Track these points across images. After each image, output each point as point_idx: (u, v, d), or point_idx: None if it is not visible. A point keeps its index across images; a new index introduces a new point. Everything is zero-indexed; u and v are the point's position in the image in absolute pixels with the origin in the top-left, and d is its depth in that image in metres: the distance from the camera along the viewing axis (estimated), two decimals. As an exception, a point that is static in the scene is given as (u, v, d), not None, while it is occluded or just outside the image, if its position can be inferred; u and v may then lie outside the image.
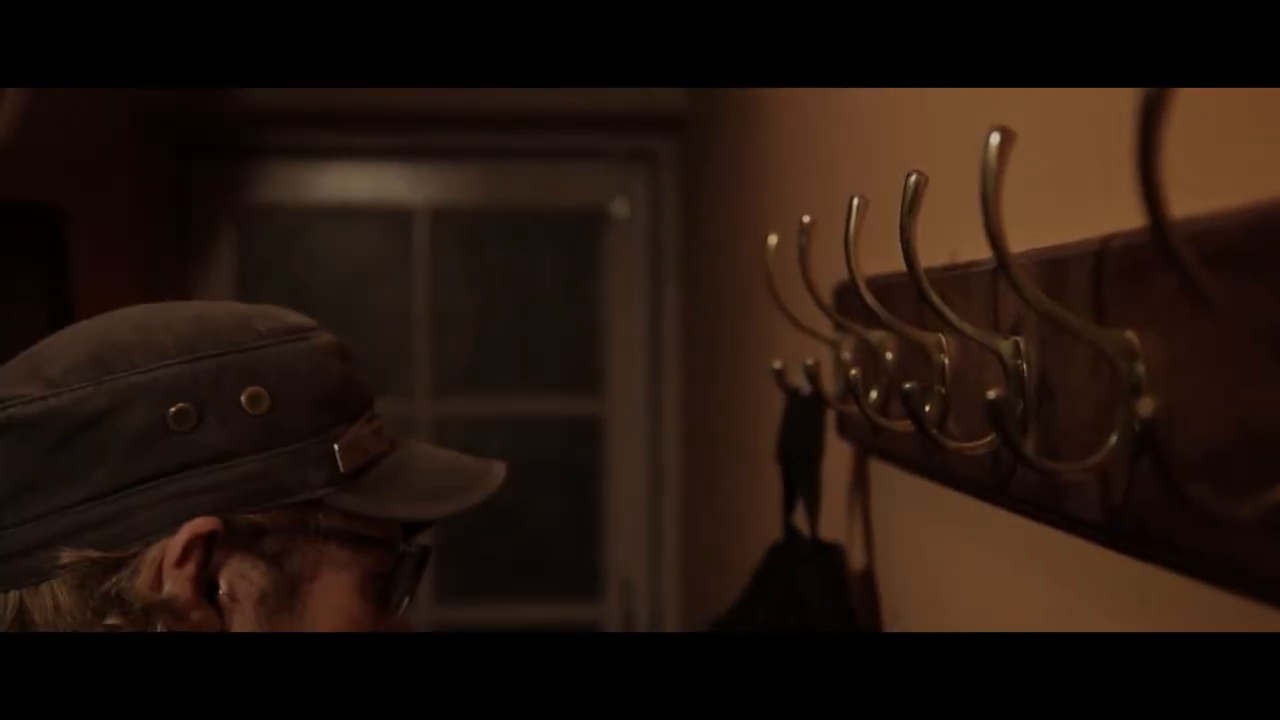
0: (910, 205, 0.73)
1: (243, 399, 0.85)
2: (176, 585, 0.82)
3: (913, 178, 0.73)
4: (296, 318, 0.92)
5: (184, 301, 0.95)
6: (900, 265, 0.75)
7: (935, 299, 0.75)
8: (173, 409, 0.83)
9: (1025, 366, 0.75)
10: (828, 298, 1.18)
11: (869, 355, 1.08)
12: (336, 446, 0.88)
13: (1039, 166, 0.74)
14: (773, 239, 1.17)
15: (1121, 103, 0.48)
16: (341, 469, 0.87)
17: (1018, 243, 0.64)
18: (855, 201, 0.86)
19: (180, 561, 0.82)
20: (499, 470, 0.98)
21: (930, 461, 0.98)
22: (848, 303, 1.17)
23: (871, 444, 1.20)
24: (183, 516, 0.83)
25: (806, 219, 1.03)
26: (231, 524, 0.84)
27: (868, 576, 1.26)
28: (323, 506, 0.87)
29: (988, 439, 0.79)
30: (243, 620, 0.85)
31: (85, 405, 0.83)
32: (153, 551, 0.82)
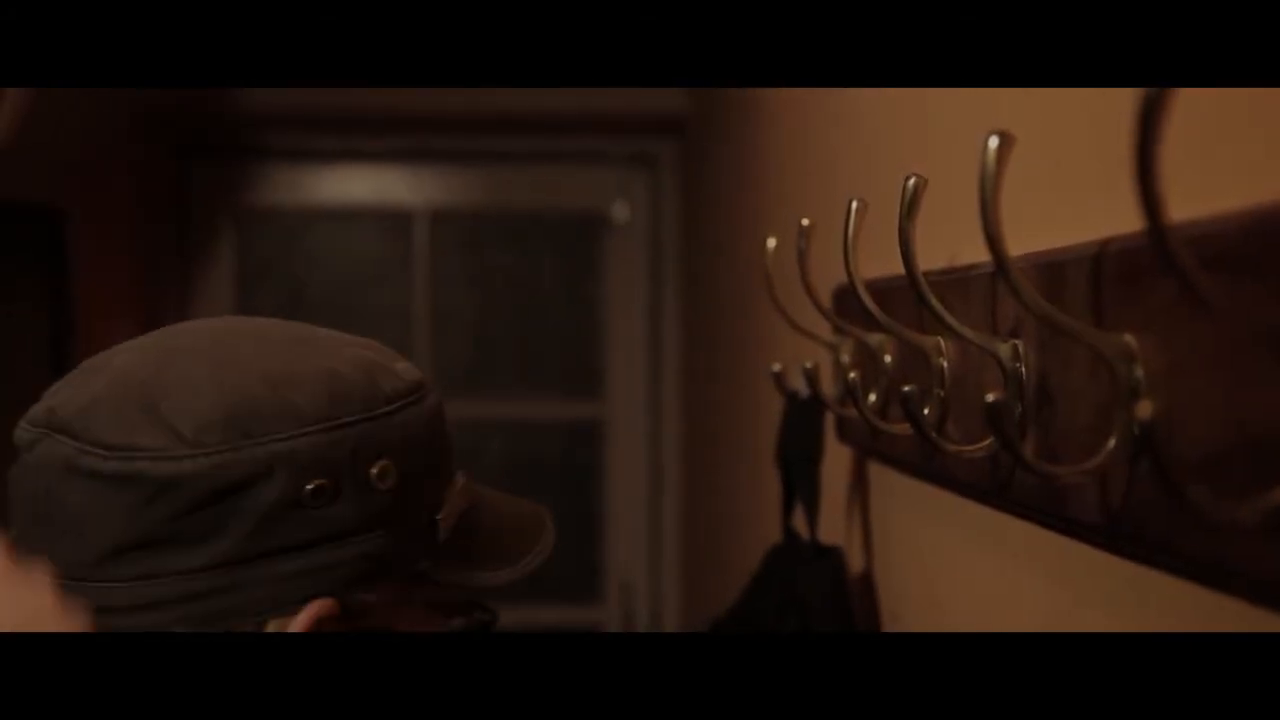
0: (909, 208, 0.73)
1: (373, 473, 0.81)
2: None
3: (911, 180, 0.73)
4: (409, 370, 0.88)
5: (295, 327, 0.89)
6: (900, 267, 0.75)
7: (934, 302, 0.75)
8: (310, 484, 0.78)
9: (1024, 369, 0.75)
10: (827, 300, 1.18)
11: (868, 358, 1.08)
12: (439, 517, 0.85)
13: (1038, 168, 0.74)
14: (771, 242, 1.17)
15: (1121, 105, 0.47)
16: (440, 539, 0.85)
17: (1016, 245, 0.64)
18: (854, 204, 0.86)
19: None
20: (547, 517, 0.96)
21: (929, 464, 0.97)
22: (847, 305, 1.16)
23: (871, 447, 1.20)
24: (301, 596, 0.79)
25: (805, 222, 1.03)
26: (346, 604, 0.80)
27: (867, 579, 1.26)
28: (423, 579, 0.85)
29: (987, 442, 0.79)
30: None
31: (224, 472, 0.77)
32: (269, 629, 0.79)
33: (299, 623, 0.78)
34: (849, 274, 0.87)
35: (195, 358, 0.83)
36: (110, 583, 0.78)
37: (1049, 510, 0.75)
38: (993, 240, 0.61)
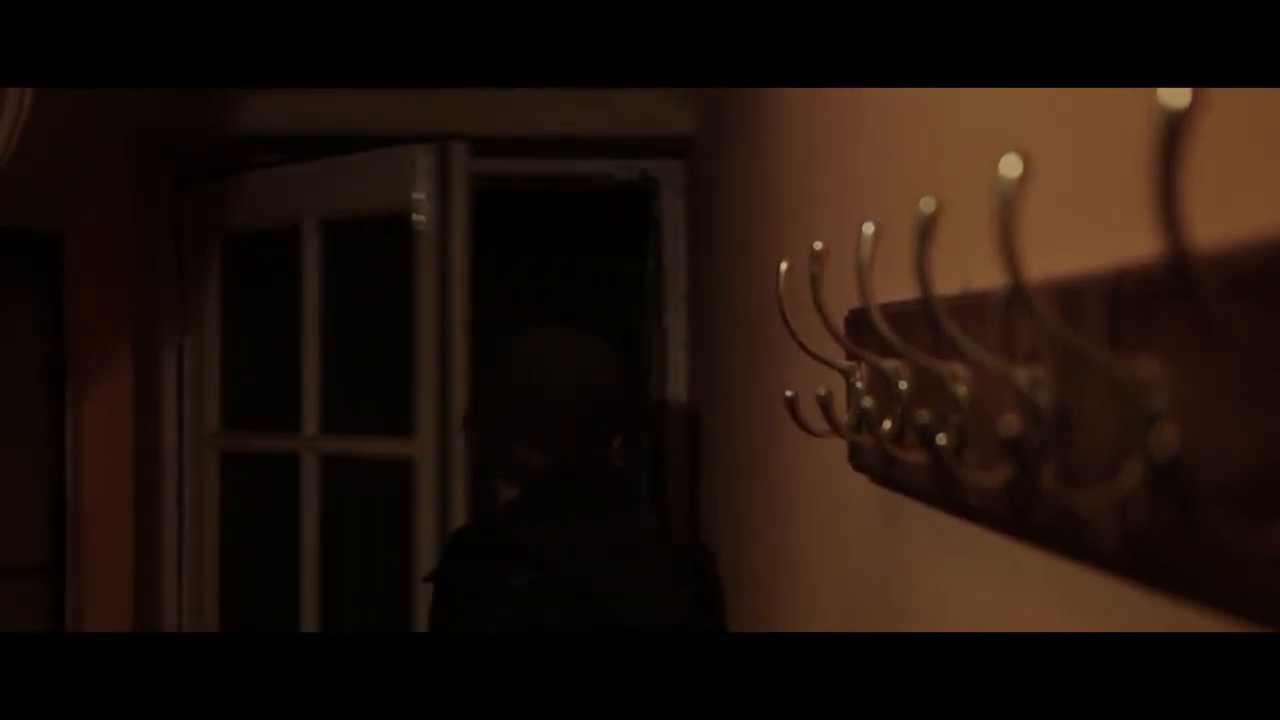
0: (924, 234, 0.73)
1: None
2: None
3: (927, 205, 0.72)
4: None
5: None
6: (913, 290, 0.75)
7: (952, 329, 0.74)
8: None
9: (1042, 396, 0.74)
10: (841, 325, 1.17)
11: (883, 384, 1.07)
12: None
13: (1055, 188, 0.73)
14: (784, 265, 1.16)
15: (1141, 121, 0.47)
16: None
17: (1033, 269, 0.63)
18: (868, 229, 0.85)
19: None
20: None
21: (945, 492, 0.97)
22: (861, 330, 1.16)
23: (885, 474, 1.19)
24: None
25: (818, 245, 1.03)
26: None
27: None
28: None
29: (1004, 470, 0.78)
30: None
31: None
32: None
33: None
34: (864, 299, 0.86)
35: None
36: None
37: (1067, 539, 0.75)
38: (1012, 267, 0.60)
